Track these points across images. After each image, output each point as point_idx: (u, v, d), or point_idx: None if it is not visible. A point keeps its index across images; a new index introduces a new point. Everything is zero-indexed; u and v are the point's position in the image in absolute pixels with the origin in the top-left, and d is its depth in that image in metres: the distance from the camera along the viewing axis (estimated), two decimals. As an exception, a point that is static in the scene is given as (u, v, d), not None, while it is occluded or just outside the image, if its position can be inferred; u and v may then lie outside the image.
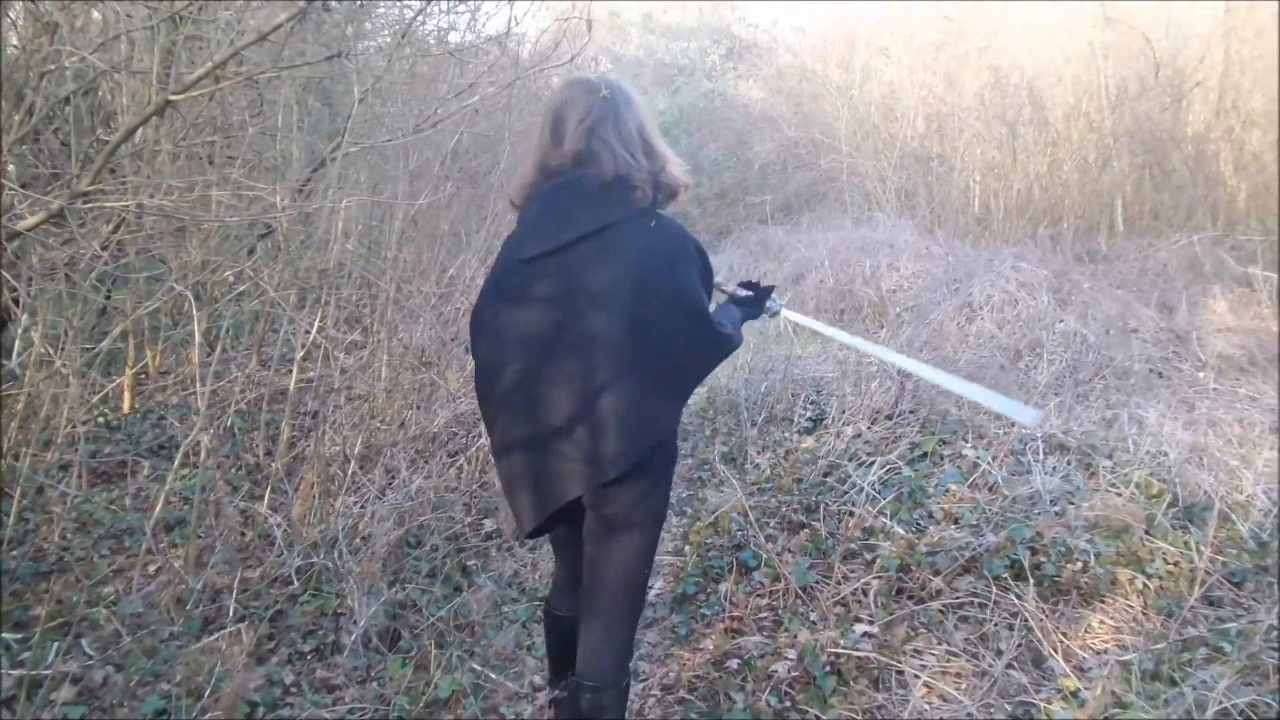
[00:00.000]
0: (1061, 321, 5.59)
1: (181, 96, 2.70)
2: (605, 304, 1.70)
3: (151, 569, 3.01)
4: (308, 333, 3.67)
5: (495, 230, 5.66)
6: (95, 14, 4.06)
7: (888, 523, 2.88)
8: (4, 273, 2.82)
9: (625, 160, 1.77)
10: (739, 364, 5.06)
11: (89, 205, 2.88)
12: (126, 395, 4.18)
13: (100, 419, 4.08)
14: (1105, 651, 2.34)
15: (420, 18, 5.36)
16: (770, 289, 2.17)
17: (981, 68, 11.24)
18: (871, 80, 12.08)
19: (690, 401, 2.47)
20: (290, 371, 3.69)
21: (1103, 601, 2.52)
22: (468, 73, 5.73)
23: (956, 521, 2.90)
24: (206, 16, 3.78)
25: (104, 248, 3.28)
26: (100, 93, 4.17)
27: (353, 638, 2.47)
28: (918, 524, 2.93)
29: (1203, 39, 9.86)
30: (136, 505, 3.47)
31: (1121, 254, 8.83)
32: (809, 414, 3.87)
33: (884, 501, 2.98)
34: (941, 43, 11.89)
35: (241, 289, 4.02)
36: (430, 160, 5.14)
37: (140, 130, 3.61)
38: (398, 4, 5.95)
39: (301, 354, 3.59)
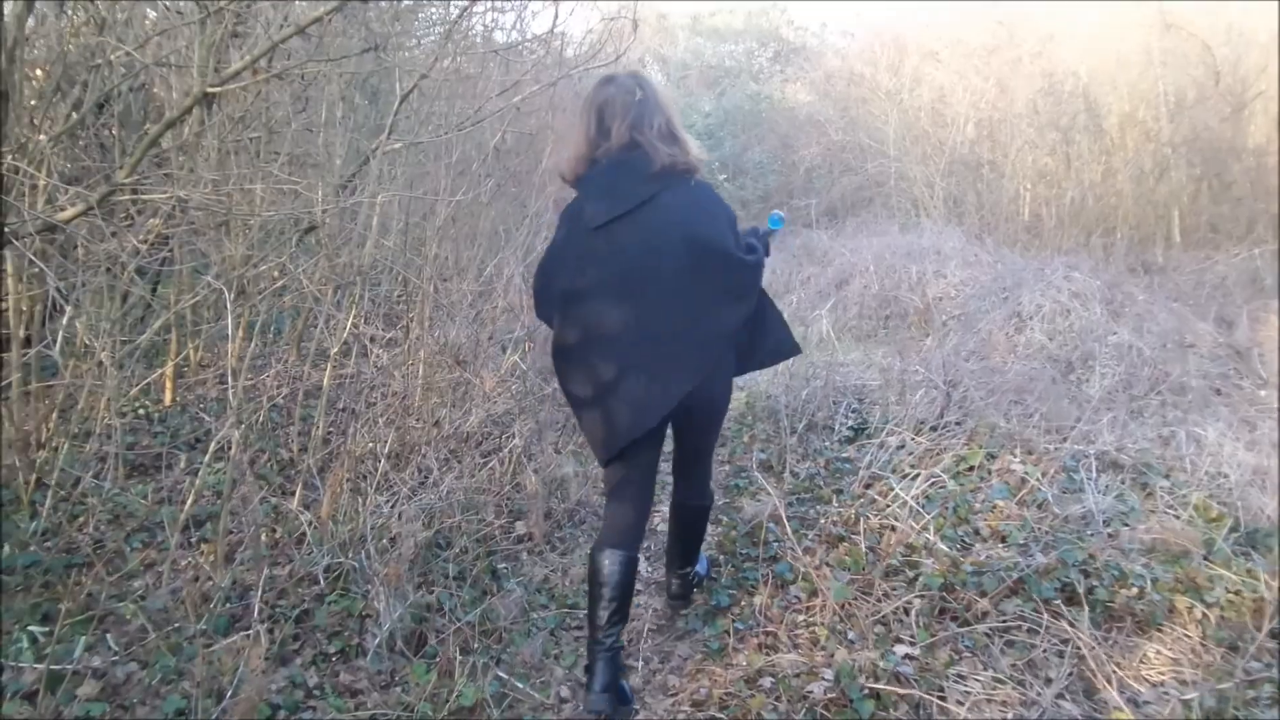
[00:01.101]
0: (1115, 334, 5.41)
1: (219, 89, 2.69)
2: (667, 251, 2.19)
3: (181, 564, 3.00)
4: (344, 329, 3.65)
5: (536, 228, 5.63)
6: (148, 11, 4.10)
7: (931, 539, 2.77)
8: (50, 266, 2.83)
9: (665, 152, 2.22)
10: (780, 369, 4.97)
11: (128, 198, 2.88)
12: (168, 387, 4.19)
13: (140, 411, 4.09)
14: (1162, 684, 2.21)
15: (466, 16, 5.35)
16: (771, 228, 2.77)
17: (1034, 73, 11.00)
18: (921, 85, 11.87)
19: (729, 408, 2.74)
20: (326, 367, 3.67)
21: (1159, 630, 2.39)
22: (512, 71, 5.71)
23: (1004, 540, 2.79)
24: (251, 11, 3.79)
25: (145, 241, 3.29)
26: (153, 89, 4.20)
27: (376, 641, 2.42)
28: (963, 541, 2.82)
29: (1264, 47, 9.53)
30: (171, 499, 3.48)
31: (1177, 266, 8.59)
32: (850, 423, 3.76)
33: (928, 517, 2.87)
34: (994, 47, 11.65)
35: (281, 283, 4.02)
36: (472, 157, 5.11)
37: (186, 125, 3.63)
38: (444, 1, 5.95)
39: (337, 349, 3.57)
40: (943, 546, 2.73)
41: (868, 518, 2.94)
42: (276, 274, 3.95)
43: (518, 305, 4.84)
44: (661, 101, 2.28)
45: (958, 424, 3.53)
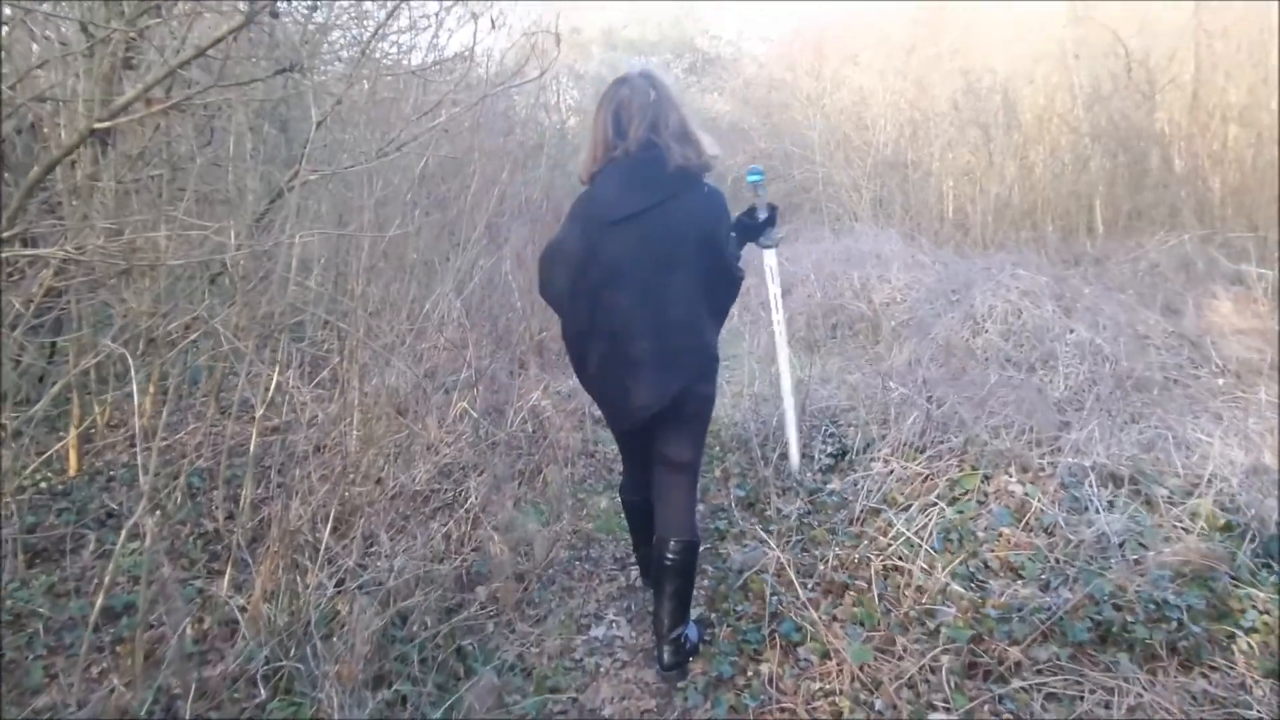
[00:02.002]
0: (1072, 331, 5.31)
1: (109, 124, 2.31)
2: (680, 253, 2.26)
3: (95, 671, 2.59)
4: (269, 380, 3.27)
5: (473, 257, 5.29)
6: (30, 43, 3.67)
7: (943, 579, 2.53)
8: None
9: (680, 152, 2.26)
10: (739, 391, 4.72)
11: (14, 252, 2.47)
12: (73, 456, 3.74)
13: (43, 484, 3.63)
14: (1224, 734, 2.01)
15: (379, 38, 5.01)
16: (771, 220, 2.81)
17: (952, 71, 11.07)
18: (842, 88, 11.86)
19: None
20: (251, 424, 3.28)
21: (1206, 667, 2.19)
22: (431, 92, 5.38)
23: (1019, 574, 2.57)
24: (144, 38, 3.40)
25: (34, 299, 2.87)
26: (42, 128, 3.76)
27: (335, 760, 2.07)
28: (975, 578, 2.59)
29: (1173, 35, 9.73)
30: (79, 589, 3.05)
31: (1109, 255, 8.65)
32: (829, 449, 3.52)
33: (935, 554, 2.63)
34: (912, 46, 11.71)
35: (195, 335, 3.61)
36: (397, 186, 4.76)
37: (78, 166, 3.22)
38: (354, 21, 5.58)
39: (263, 404, 3.19)
40: (958, 588, 2.49)
41: (870, 559, 2.68)
42: (189, 324, 3.55)
43: (460, 341, 4.50)
44: (675, 101, 2.34)
45: (943, 443, 3.32)
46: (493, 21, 4.97)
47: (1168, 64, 9.80)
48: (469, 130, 6.58)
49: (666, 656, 2.44)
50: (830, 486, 3.24)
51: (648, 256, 2.25)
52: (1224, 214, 8.88)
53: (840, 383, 4.15)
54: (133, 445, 3.87)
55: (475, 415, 3.33)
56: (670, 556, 2.39)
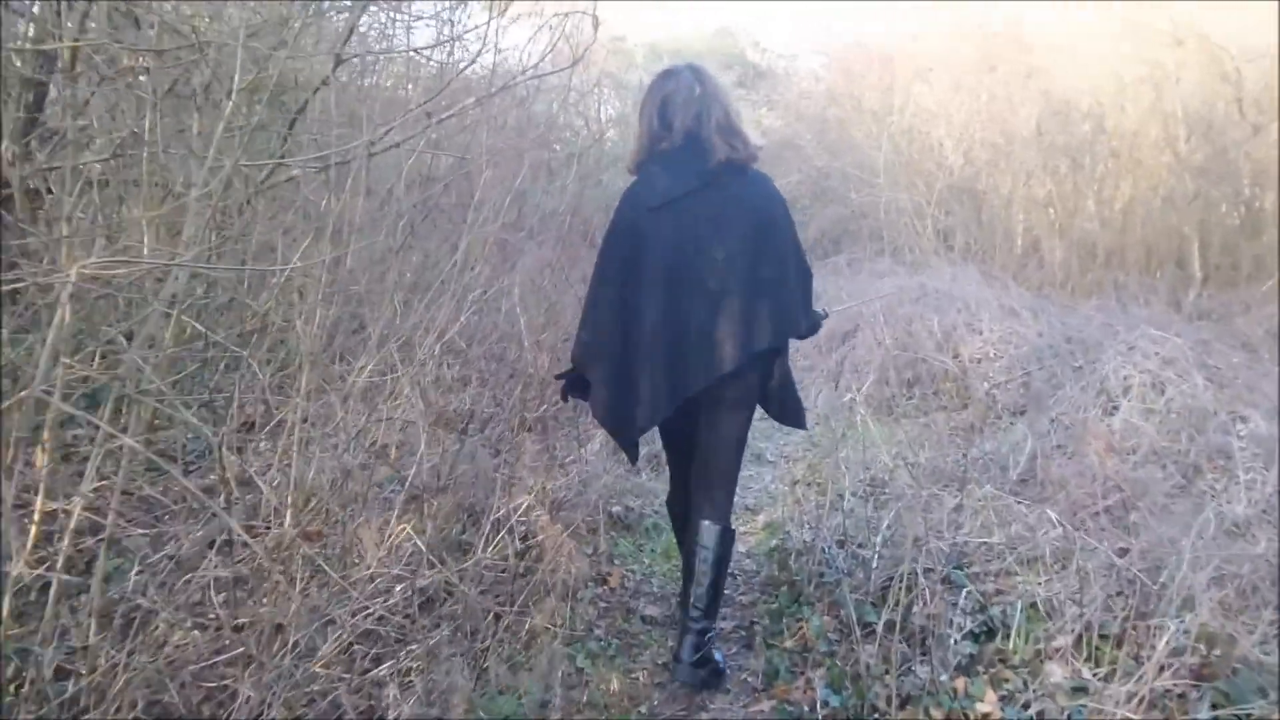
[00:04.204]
0: (1244, 420, 4.06)
1: None
2: (725, 234, 2.32)
3: None
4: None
5: (469, 280, 4.14)
6: None
7: None
8: None
9: (723, 145, 2.32)
10: (808, 485, 3.53)
11: None
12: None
13: None
14: None
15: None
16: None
17: (1035, 92, 9.84)
18: (910, 105, 10.64)
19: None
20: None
21: None
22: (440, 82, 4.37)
23: None
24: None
25: None
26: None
27: None
28: None
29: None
30: None
31: (1226, 310, 7.42)
32: (968, 623, 2.29)
33: None
34: (988, 63, 10.47)
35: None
36: (388, 191, 3.67)
37: None
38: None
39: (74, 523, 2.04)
40: None
41: None
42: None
43: (436, 403, 3.36)
44: (720, 96, 2.39)
45: (1155, 628, 2.09)
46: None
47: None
48: (489, 128, 5.49)
49: (687, 651, 2.34)
50: (976, 698, 2.02)
51: (691, 240, 2.31)
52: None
53: (969, 511, 2.86)
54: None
55: (423, 548, 2.15)
56: (706, 545, 2.38)
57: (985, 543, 2.51)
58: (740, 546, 3.20)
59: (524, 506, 2.46)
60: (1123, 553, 2.38)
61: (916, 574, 2.34)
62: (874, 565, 2.49)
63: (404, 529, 2.15)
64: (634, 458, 2.56)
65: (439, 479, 2.48)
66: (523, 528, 2.60)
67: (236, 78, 2.20)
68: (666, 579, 2.96)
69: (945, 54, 10.63)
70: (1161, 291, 7.84)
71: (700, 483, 2.44)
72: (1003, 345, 5.72)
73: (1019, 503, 2.86)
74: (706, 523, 2.36)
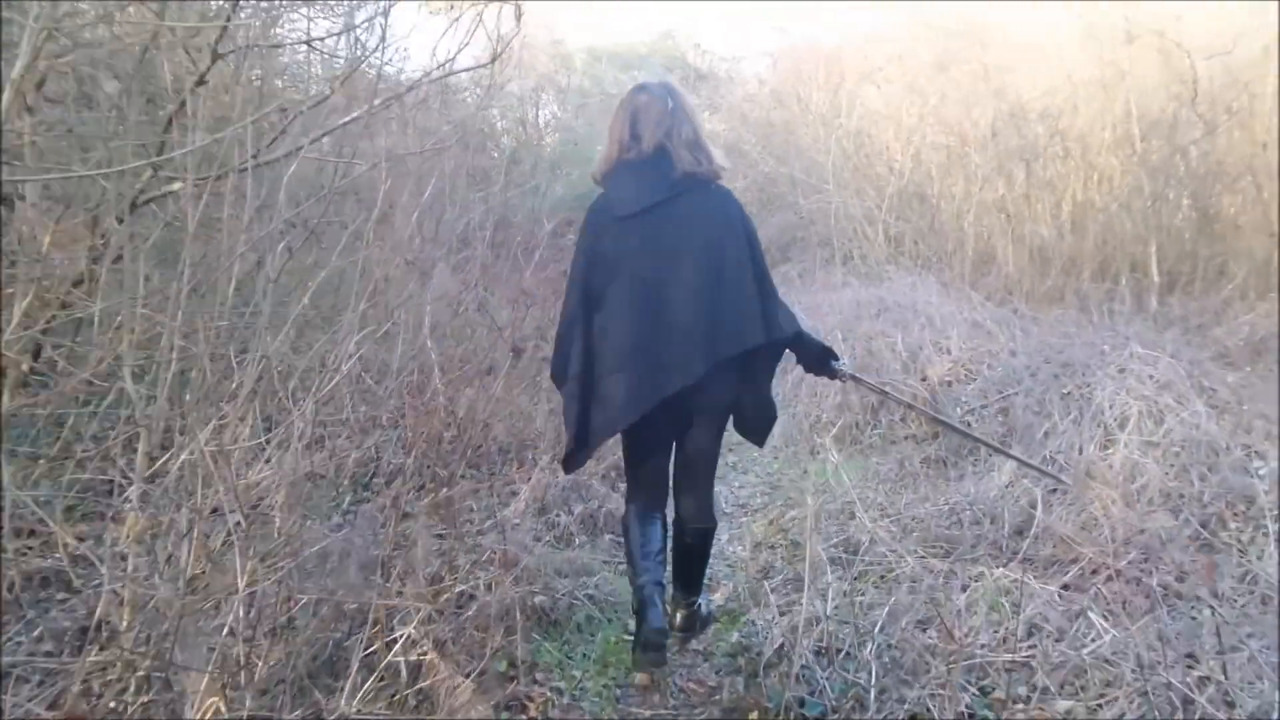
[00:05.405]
0: (1260, 456, 3.59)
1: None
2: (690, 245, 2.40)
3: None
4: None
5: (355, 321, 3.49)
6: None
7: None
8: None
9: (689, 159, 2.41)
10: (764, 564, 2.94)
11: None
12: None
13: None
14: None
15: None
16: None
17: (988, 93, 9.45)
18: (859, 107, 10.19)
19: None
20: None
21: None
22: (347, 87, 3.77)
23: None
24: None
25: None
26: None
27: None
28: None
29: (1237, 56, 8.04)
30: None
31: (1188, 316, 7.04)
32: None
33: None
34: (940, 63, 10.06)
35: None
36: (272, 202, 3.02)
37: None
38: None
39: None
40: None
41: None
42: None
43: (325, 463, 2.69)
44: (689, 112, 2.49)
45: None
46: None
47: (1233, 90, 8.12)
48: (393, 131, 4.90)
49: (679, 620, 2.65)
50: None
51: (656, 251, 2.40)
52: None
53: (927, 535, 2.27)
54: None
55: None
56: (691, 540, 2.62)
57: (1011, 660, 1.93)
58: (696, 645, 2.62)
59: (406, 638, 1.82)
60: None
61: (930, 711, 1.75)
62: (871, 693, 1.90)
63: (212, 703, 1.49)
64: (573, 467, 2.62)
65: (278, 609, 1.80)
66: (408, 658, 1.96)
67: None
68: (602, 700, 2.32)
69: (899, 54, 10.21)
70: (1126, 299, 7.46)
71: (683, 483, 2.62)
72: (974, 366, 5.22)
73: (1034, 579, 2.30)
74: (695, 525, 2.60)
